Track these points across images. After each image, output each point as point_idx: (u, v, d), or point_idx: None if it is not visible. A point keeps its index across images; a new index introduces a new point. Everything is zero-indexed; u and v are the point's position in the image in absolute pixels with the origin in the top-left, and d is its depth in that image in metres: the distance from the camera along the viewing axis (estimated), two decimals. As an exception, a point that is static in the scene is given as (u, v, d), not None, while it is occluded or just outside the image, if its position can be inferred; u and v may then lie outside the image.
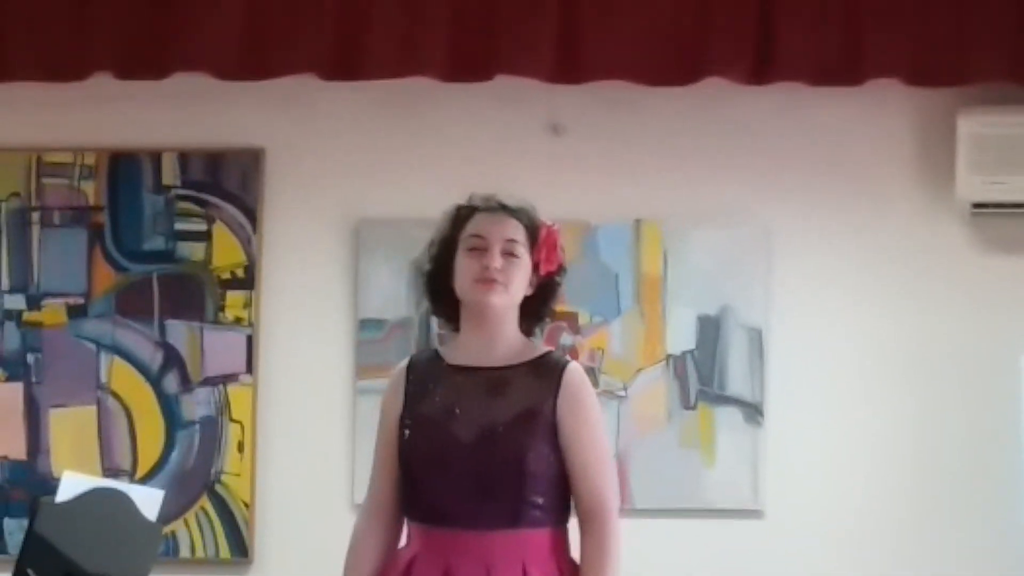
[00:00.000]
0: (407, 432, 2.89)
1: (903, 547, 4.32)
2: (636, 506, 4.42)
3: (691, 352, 4.45)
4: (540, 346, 2.95)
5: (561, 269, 2.93)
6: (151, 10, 4.52)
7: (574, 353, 4.25)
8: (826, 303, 4.48)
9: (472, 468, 2.83)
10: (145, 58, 4.36)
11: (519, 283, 2.85)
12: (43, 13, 4.54)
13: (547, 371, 2.88)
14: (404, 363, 2.99)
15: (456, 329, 2.95)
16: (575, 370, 2.89)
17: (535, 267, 2.87)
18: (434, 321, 4.47)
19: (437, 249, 2.91)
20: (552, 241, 2.88)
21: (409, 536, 2.90)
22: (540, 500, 2.82)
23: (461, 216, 2.88)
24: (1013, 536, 4.20)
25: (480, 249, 2.83)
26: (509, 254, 2.83)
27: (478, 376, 2.91)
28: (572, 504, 2.94)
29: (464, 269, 2.83)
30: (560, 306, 3.17)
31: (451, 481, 2.85)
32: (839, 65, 4.21)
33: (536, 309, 2.92)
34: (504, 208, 2.88)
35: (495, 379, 2.91)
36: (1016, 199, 4.29)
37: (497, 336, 2.89)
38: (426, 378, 2.93)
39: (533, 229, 2.86)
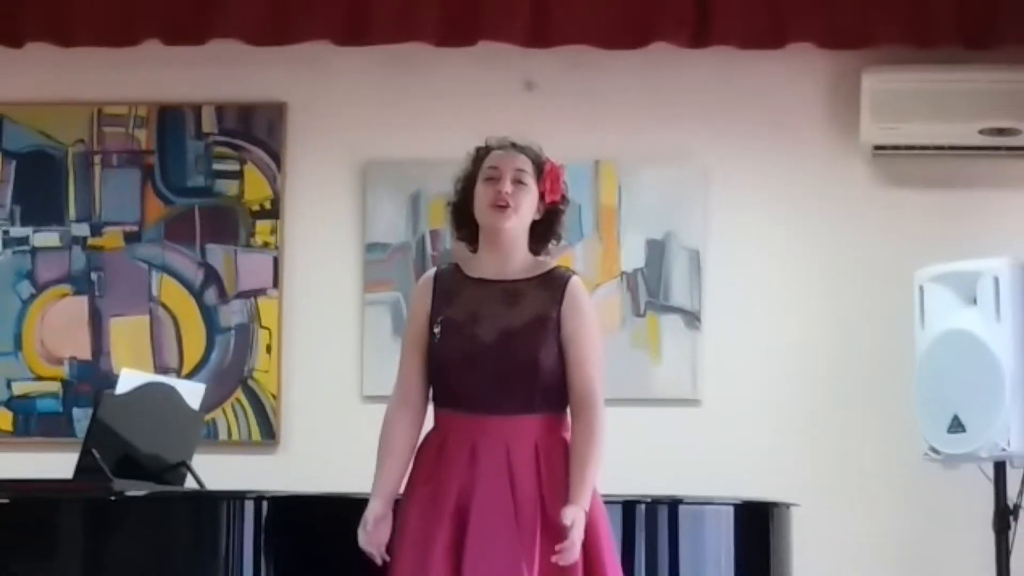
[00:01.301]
0: (437, 333, 3.02)
1: (817, 430, 4.69)
2: (597, 397, 4.61)
3: (641, 270, 4.72)
4: (547, 263, 3.09)
5: (564, 199, 3.06)
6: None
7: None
8: (752, 229, 4.79)
9: (494, 364, 2.97)
10: (187, 27, 4.60)
11: (527, 207, 2.97)
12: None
13: (553, 283, 3.00)
14: (430, 274, 3.12)
15: (475, 251, 3.09)
16: (577, 282, 3.02)
17: (541, 196, 3.01)
18: (428, 245, 4.79)
19: (462, 184, 3.06)
20: (555, 174, 3.02)
21: (436, 421, 3.05)
22: (548, 391, 2.97)
23: (480, 155, 3.03)
24: (906, 416, 4.54)
25: (494, 178, 2.96)
26: (518, 182, 2.94)
27: (495, 287, 3.02)
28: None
29: (481, 195, 2.95)
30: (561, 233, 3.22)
31: (476, 375, 2.98)
32: (764, 31, 4.51)
33: (543, 233, 3.05)
34: (514, 146, 3.04)
35: (510, 290, 3.02)
36: (909, 143, 4.57)
37: (510, 254, 3.00)
38: (451, 287, 3.03)
39: (539, 164, 2.99)
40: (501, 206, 2.95)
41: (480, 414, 2.98)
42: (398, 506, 3.08)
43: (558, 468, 2.96)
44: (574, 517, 2.87)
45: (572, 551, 2.91)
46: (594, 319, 3.11)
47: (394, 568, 3.02)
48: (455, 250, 3.33)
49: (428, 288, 3.06)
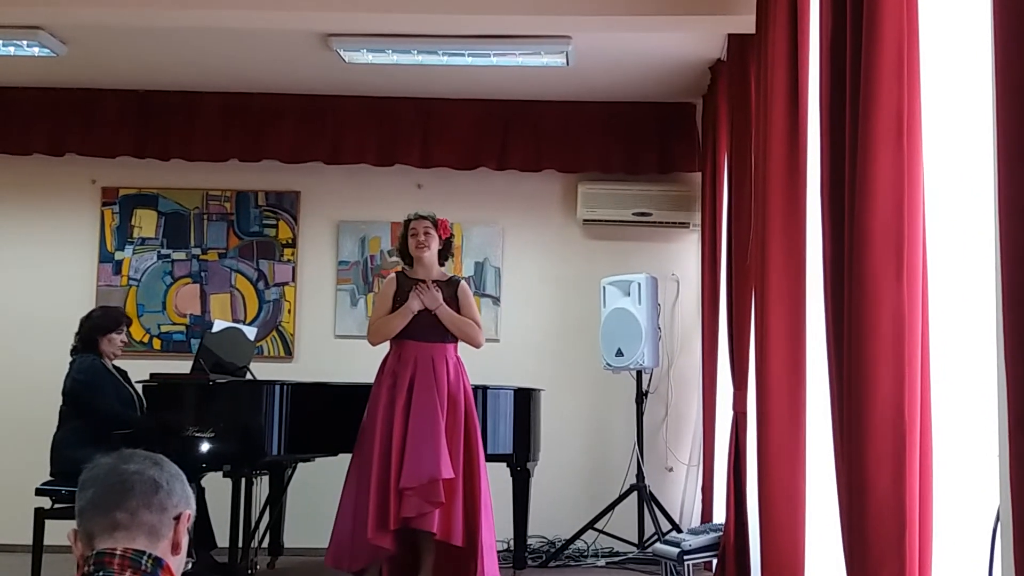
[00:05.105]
0: (398, 304, 4.40)
1: (557, 354, 6.37)
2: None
3: (472, 276, 6.45)
4: (448, 273, 4.59)
5: (451, 236, 4.60)
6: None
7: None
8: (525, 259, 6.41)
9: (425, 320, 4.44)
10: (252, 152, 6.22)
11: (434, 244, 4.50)
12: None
13: (453, 284, 4.54)
14: (394, 273, 4.52)
15: (411, 267, 4.50)
16: (464, 283, 4.58)
17: (440, 236, 4.49)
18: (368, 262, 6.18)
19: (401, 239, 4.58)
20: (444, 223, 4.55)
21: (392, 346, 4.37)
22: (449, 333, 4.46)
23: (406, 223, 4.55)
24: (596, 349, 6.09)
25: (415, 234, 4.48)
26: (427, 233, 4.47)
27: (422, 284, 4.48)
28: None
29: (411, 242, 4.50)
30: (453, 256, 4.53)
31: (417, 324, 4.44)
32: (532, 162, 6.31)
33: (444, 252, 4.59)
34: (420, 215, 4.54)
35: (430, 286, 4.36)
36: (600, 218, 6.34)
37: (429, 269, 4.51)
38: (403, 281, 4.51)
39: (434, 220, 4.52)
40: (421, 247, 4.48)
41: (420, 341, 4.45)
42: (374, 387, 4.19)
43: (453, 369, 4.40)
44: (440, 302, 4.32)
45: (433, 301, 4.27)
46: (473, 299, 4.58)
47: (371, 420, 4.17)
48: (404, 265, 4.63)
49: (393, 280, 4.56)
